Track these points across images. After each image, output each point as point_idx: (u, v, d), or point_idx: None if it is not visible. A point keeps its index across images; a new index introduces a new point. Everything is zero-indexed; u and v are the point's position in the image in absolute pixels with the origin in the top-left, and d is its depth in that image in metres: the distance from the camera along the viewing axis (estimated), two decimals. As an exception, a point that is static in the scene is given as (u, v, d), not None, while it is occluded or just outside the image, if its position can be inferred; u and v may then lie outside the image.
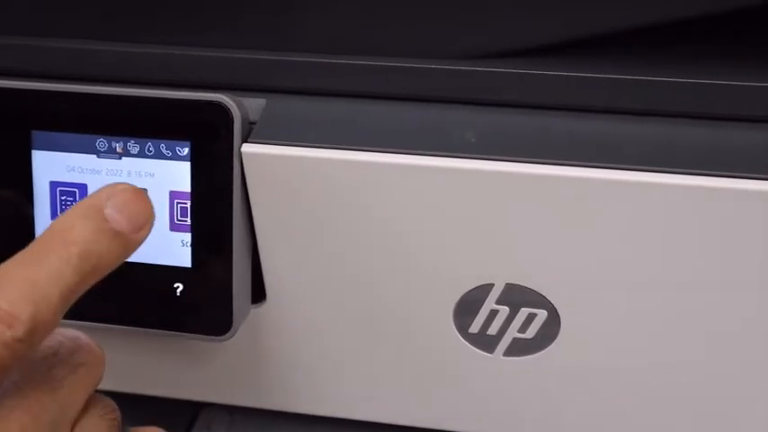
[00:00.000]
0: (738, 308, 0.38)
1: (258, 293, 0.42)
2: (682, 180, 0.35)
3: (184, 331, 0.40)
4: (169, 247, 0.39)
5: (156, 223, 0.38)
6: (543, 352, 0.40)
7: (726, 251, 0.36)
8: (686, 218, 0.36)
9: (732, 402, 0.40)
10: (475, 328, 0.40)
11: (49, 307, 0.28)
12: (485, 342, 0.41)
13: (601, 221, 0.36)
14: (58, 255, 0.29)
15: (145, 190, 0.38)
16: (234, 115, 0.37)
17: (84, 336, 0.32)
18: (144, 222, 0.31)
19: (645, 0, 0.37)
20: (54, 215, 0.40)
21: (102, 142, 0.38)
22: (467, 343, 0.41)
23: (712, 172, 0.35)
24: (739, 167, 0.35)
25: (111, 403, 0.33)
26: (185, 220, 0.39)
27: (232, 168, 0.38)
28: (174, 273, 0.39)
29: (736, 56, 0.40)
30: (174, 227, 0.39)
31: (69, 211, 0.30)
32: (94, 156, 0.39)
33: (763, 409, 0.40)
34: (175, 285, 0.39)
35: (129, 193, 0.31)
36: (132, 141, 0.38)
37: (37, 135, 0.39)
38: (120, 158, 0.39)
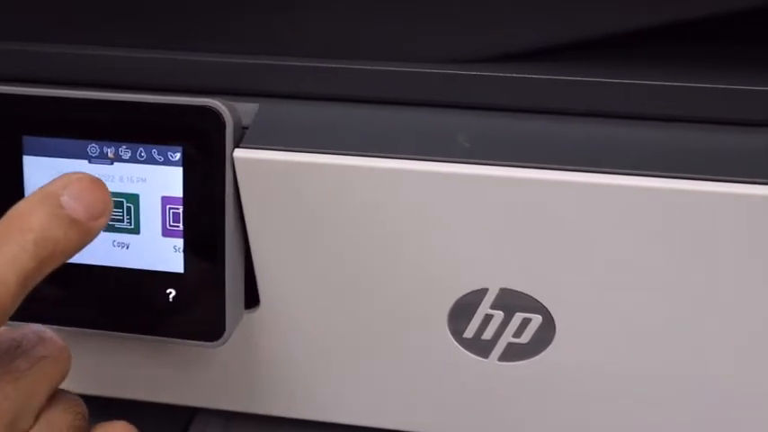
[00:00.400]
0: (733, 311, 0.37)
1: (252, 299, 0.42)
2: (677, 185, 0.35)
3: (177, 337, 0.40)
4: (161, 252, 0.39)
5: (149, 229, 0.39)
6: (538, 357, 0.40)
7: (722, 256, 0.36)
8: (681, 222, 0.36)
9: (729, 404, 0.40)
10: (470, 332, 0.40)
11: (7, 292, 0.28)
12: (480, 347, 0.40)
13: (595, 226, 0.36)
14: (15, 241, 0.29)
15: (137, 195, 0.38)
16: (226, 120, 0.37)
17: (49, 330, 0.33)
18: (102, 211, 0.31)
19: (641, 3, 0.37)
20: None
21: (93, 147, 0.38)
22: (461, 348, 0.41)
23: (709, 176, 0.35)
24: (737, 172, 0.35)
25: (78, 399, 0.33)
26: (177, 226, 0.38)
27: (224, 173, 0.37)
28: (167, 278, 0.39)
29: (735, 59, 0.40)
30: (167, 232, 0.39)
31: (26, 199, 0.31)
32: (86, 161, 0.38)
33: (760, 412, 0.40)
34: (168, 291, 0.39)
35: (85, 182, 0.32)
36: (124, 146, 0.38)
37: (28, 140, 0.39)
38: (111, 164, 0.38)
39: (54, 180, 0.32)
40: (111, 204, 0.32)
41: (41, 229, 0.30)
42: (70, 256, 0.31)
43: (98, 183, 0.32)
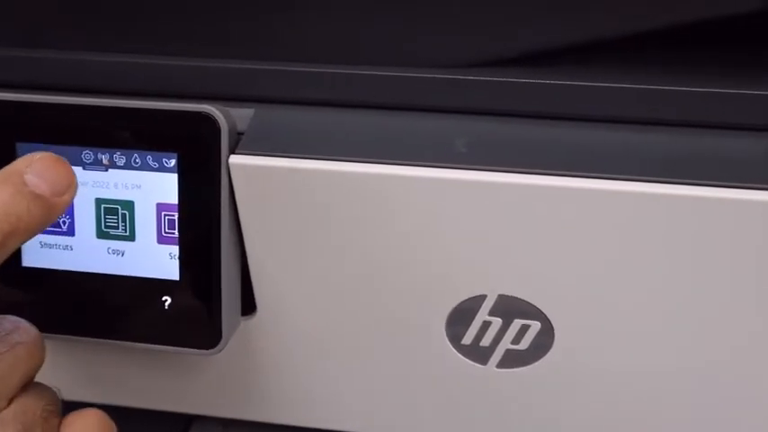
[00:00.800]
0: (734, 316, 0.37)
1: (248, 305, 0.41)
2: (676, 190, 0.35)
3: (173, 345, 0.39)
4: (157, 259, 0.38)
5: (144, 236, 0.38)
6: (537, 363, 0.40)
7: (721, 261, 0.36)
8: (680, 228, 0.35)
9: (731, 407, 0.40)
10: (468, 339, 0.40)
11: None
12: (478, 354, 0.40)
13: (594, 231, 0.36)
14: None
15: (132, 202, 0.38)
16: (221, 126, 0.36)
17: (25, 321, 0.34)
18: (66, 187, 0.32)
19: (639, 7, 0.37)
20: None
21: (87, 154, 0.38)
22: (460, 354, 0.40)
23: (709, 182, 0.35)
24: (736, 177, 0.35)
25: (50, 389, 0.34)
26: (173, 233, 0.38)
27: (220, 180, 0.37)
28: (163, 286, 0.39)
29: (734, 62, 0.40)
30: (162, 239, 0.38)
31: None
32: (80, 168, 0.38)
33: (761, 414, 0.40)
34: (164, 299, 0.39)
35: (48, 160, 0.32)
36: (118, 153, 0.38)
37: (22, 147, 0.38)
38: (106, 170, 0.38)
39: (18, 159, 0.32)
40: (76, 182, 0.33)
41: (4, 205, 0.30)
42: (35, 232, 0.32)
43: (61, 160, 0.33)
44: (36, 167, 0.32)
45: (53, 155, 0.33)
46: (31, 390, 0.33)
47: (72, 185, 0.33)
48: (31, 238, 0.32)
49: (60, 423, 0.34)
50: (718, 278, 0.36)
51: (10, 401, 0.32)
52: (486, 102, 0.37)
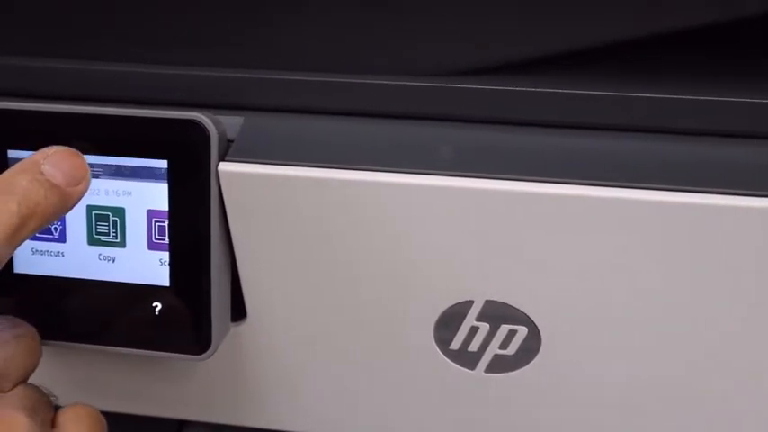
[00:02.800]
0: (728, 323, 0.37)
1: (239, 311, 0.41)
2: (664, 197, 0.35)
3: (163, 351, 0.40)
4: (147, 266, 0.39)
5: (135, 243, 0.39)
6: (525, 368, 0.40)
7: (706, 266, 0.36)
8: (669, 235, 0.36)
9: (717, 411, 0.40)
10: (456, 344, 0.40)
11: None
12: (466, 359, 0.40)
13: (581, 238, 0.36)
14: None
15: (123, 209, 0.38)
16: (211, 133, 0.37)
17: (23, 321, 0.37)
18: (80, 178, 0.34)
19: (632, 13, 0.37)
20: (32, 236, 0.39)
21: (78, 161, 0.38)
22: (448, 360, 0.41)
23: (699, 188, 0.35)
24: (734, 184, 0.35)
25: (42, 388, 0.36)
26: (163, 239, 0.38)
27: (209, 187, 0.37)
28: (153, 292, 0.39)
29: (729, 71, 0.40)
30: (153, 246, 0.39)
31: (10, 169, 0.34)
32: (71, 175, 0.38)
33: (749, 416, 0.40)
34: (154, 304, 0.39)
35: (64, 152, 0.35)
36: (109, 160, 0.38)
37: (13, 155, 0.38)
38: (97, 178, 0.38)
39: (36, 152, 0.35)
40: (89, 173, 0.35)
41: (23, 191, 0.33)
42: (52, 219, 0.34)
43: (75, 153, 0.35)
44: (52, 159, 0.34)
45: (68, 148, 0.35)
46: (30, 384, 0.35)
47: (86, 177, 0.35)
48: (46, 225, 0.33)
49: (54, 416, 0.35)
50: (713, 285, 0.36)
51: (12, 387, 0.34)
52: (473, 109, 0.38)
